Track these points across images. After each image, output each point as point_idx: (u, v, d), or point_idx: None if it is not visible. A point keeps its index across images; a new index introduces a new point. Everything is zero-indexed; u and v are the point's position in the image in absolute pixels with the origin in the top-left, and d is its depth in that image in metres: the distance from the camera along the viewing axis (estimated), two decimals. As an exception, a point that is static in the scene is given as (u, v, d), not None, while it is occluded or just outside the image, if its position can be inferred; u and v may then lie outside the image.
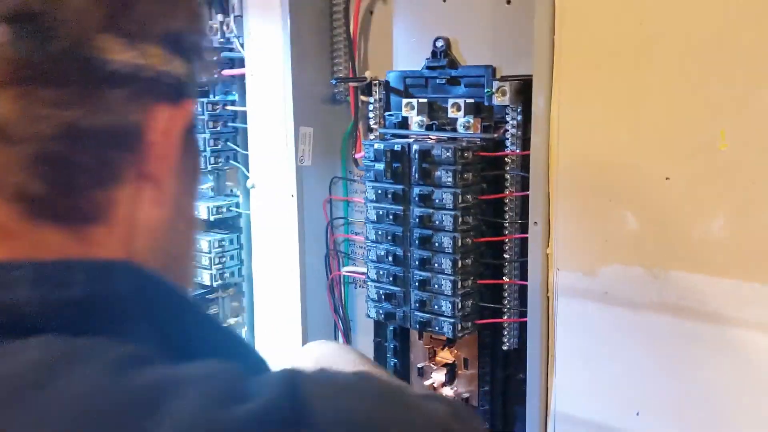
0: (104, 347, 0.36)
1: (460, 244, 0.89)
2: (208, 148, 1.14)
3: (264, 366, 0.44)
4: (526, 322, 0.92)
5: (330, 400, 0.36)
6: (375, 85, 1.03)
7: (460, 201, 0.88)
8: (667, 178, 0.72)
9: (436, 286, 0.91)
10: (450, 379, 1.01)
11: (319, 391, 0.36)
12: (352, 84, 1.05)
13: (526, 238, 0.89)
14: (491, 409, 0.98)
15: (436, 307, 0.91)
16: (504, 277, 0.92)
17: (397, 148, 0.91)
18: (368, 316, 0.98)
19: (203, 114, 1.13)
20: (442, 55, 0.96)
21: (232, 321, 1.30)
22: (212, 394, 0.34)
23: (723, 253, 0.70)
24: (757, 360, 0.69)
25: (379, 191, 0.94)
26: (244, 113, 1.15)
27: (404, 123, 1.00)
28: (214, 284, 1.20)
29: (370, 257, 0.97)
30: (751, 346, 0.69)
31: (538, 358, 0.84)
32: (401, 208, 0.92)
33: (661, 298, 0.74)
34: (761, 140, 0.66)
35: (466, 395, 1.01)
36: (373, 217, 0.95)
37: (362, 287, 1.10)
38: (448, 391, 1.01)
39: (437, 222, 0.89)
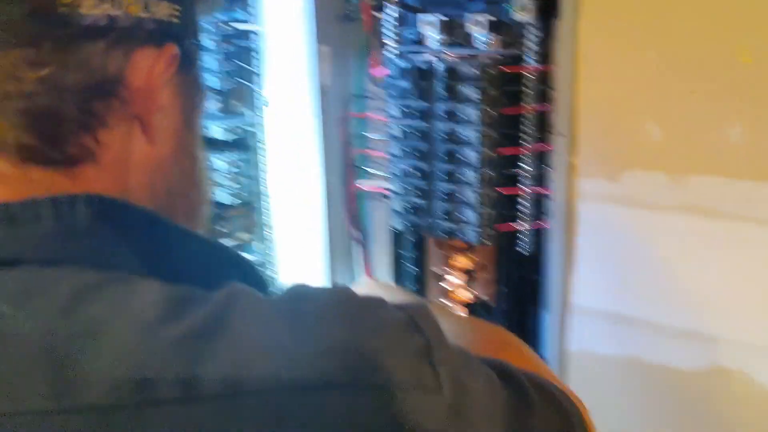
0: (64, 277, 0.39)
1: (483, 157, 0.94)
2: (220, 69, 1.14)
3: (261, 282, 0.46)
4: (542, 227, 0.99)
5: (252, 314, 0.38)
6: (389, 0, 1.04)
7: (485, 117, 0.92)
8: (692, 92, 0.78)
9: (461, 196, 0.97)
10: (469, 283, 1.09)
11: (247, 307, 0.38)
12: (365, 0, 1.05)
13: (545, 149, 0.95)
14: (508, 310, 1.07)
15: (461, 216, 0.97)
16: (522, 186, 0.98)
17: (421, 65, 0.94)
18: (394, 229, 1.04)
19: (215, 34, 1.13)
20: (460, -30, 0.98)
21: (245, 236, 1.33)
22: (147, 318, 0.37)
23: (739, 157, 0.77)
24: (766, 255, 0.78)
25: (405, 109, 0.97)
26: (255, 32, 1.14)
27: (420, 40, 1.03)
28: (234, 203, 1.23)
29: (395, 173, 1.01)
30: (762, 242, 0.77)
31: (560, 259, 0.92)
32: (426, 124, 0.96)
33: (679, 200, 0.81)
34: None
35: (484, 298, 1.09)
36: (398, 134, 0.99)
37: (379, 201, 1.15)
38: (467, 294, 1.09)
39: (463, 137, 0.94)
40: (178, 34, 0.47)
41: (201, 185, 0.53)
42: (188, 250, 0.46)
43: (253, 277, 0.47)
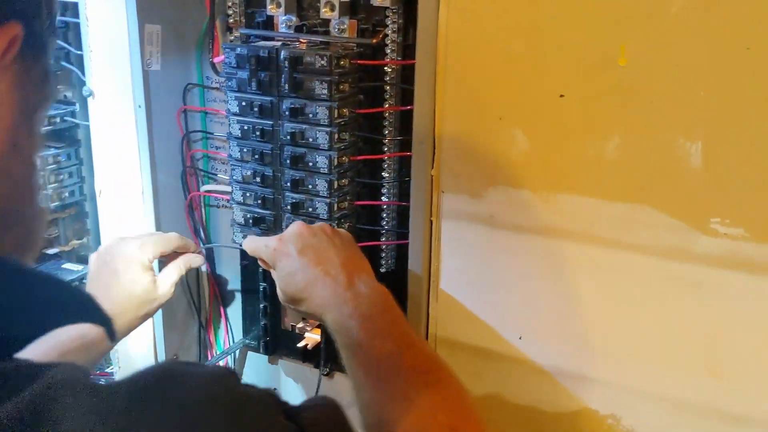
0: None
1: (336, 163, 0.81)
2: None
3: (84, 307, 0.42)
4: (404, 244, 0.87)
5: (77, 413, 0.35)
6: (234, -24, 0.89)
7: (335, 116, 0.79)
8: (561, 96, 0.67)
9: (311, 209, 0.83)
10: (324, 303, 0.95)
11: (72, 404, 0.35)
12: (206, -27, 0.90)
13: (406, 156, 0.83)
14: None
15: (310, 231, 0.84)
16: (382, 197, 0.86)
17: (263, 53, 0.80)
18: (234, 242, 0.89)
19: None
20: (313, -56, 0.84)
21: (75, 243, 1.15)
22: None
23: (616, 176, 0.67)
24: (641, 283, 0.68)
25: (244, 103, 0.82)
26: (75, 5, 0.96)
27: (269, 22, 0.88)
28: (51, 205, 1.04)
29: (234, 177, 0.86)
30: (637, 269, 0.68)
31: (420, 282, 0.80)
32: (270, 122, 0.82)
33: (548, 221, 0.71)
34: (662, 57, 0.62)
35: (341, 319, 0.96)
36: (237, 132, 0.84)
37: (226, 207, 1.00)
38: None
39: (311, 139, 0.80)
40: (24, 12, 0.41)
41: (39, 201, 0.46)
42: (15, 294, 0.39)
43: (97, 320, 0.43)
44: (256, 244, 0.78)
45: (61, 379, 0.35)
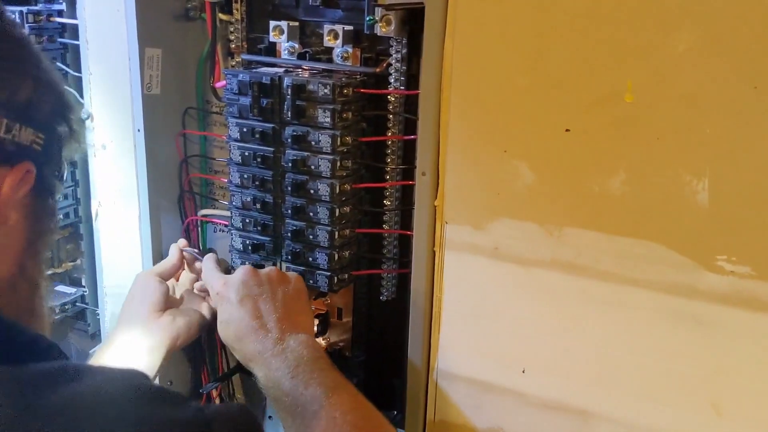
0: None
1: (338, 191, 0.80)
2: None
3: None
4: (405, 273, 0.86)
5: None
6: (236, 1, 0.88)
7: (338, 144, 0.78)
8: (567, 130, 0.67)
9: (311, 236, 0.82)
10: (323, 330, 0.94)
11: None
12: (209, -3, 0.89)
13: (409, 185, 0.82)
14: (366, 360, 0.93)
15: (310, 259, 0.83)
16: (384, 226, 0.85)
17: (265, 80, 0.79)
18: (232, 268, 0.88)
19: (24, 26, 0.93)
20: (317, -30, 0.84)
21: (69, 265, 1.14)
22: None
23: (621, 210, 0.66)
24: (646, 319, 0.68)
25: (245, 129, 0.82)
26: (75, 27, 0.96)
27: (272, 49, 0.88)
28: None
29: (234, 203, 0.85)
30: (641, 304, 0.68)
31: (422, 313, 0.79)
32: (271, 149, 0.81)
33: (553, 255, 0.70)
34: (669, 94, 0.62)
35: (339, 345, 0.95)
36: (237, 158, 0.83)
37: (223, 231, 0.99)
38: (320, 342, 0.94)
39: (313, 167, 0.80)
40: (37, 160, 0.49)
41: (40, 317, 0.53)
42: None
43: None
44: (207, 276, 0.82)
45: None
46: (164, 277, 0.87)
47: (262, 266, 0.82)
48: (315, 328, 0.89)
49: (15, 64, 0.47)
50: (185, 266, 0.92)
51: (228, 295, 0.76)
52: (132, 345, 0.81)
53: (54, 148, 0.51)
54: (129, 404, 0.40)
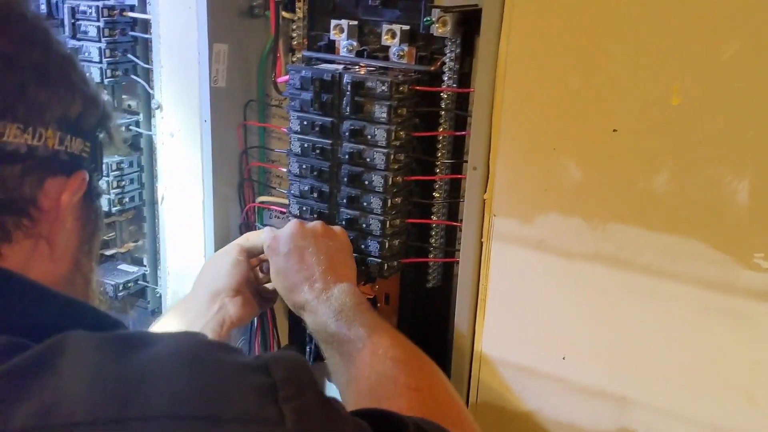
0: None
1: (390, 183, 0.85)
2: (104, 60, 1.01)
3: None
4: (451, 262, 0.91)
5: (79, 357, 0.41)
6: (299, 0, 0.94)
7: (393, 138, 0.83)
8: (614, 130, 0.70)
9: (364, 225, 0.87)
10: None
11: (75, 350, 0.41)
12: (273, -4, 0.94)
13: (457, 178, 0.87)
14: (411, 344, 0.98)
15: (363, 246, 0.88)
16: (433, 217, 0.90)
17: (326, 77, 0.84)
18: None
19: (98, 21, 0.99)
20: (376, -28, 0.88)
21: (131, 245, 1.21)
22: None
23: (664, 208, 0.70)
24: (683, 312, 0.71)
25: (305, 122, 0.87)
26: (145, 21, 1.02)
27: (330, 46, 0.93)
28: (113, 209, 1.10)
29: (292, 192, 0.91)
30: (679, 298, 0.71)
31: (468, 302, 0.84)
32: (329, 142, 0.86)
33: (596, 248, 0.74)
34: (714, 98, 0.65)
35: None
36: (297, 149, 0.88)
37: (278, 218, 1.04)
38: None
39: (368, 159, 0.84)
40: (86, 167, 0.54)
41: (93, 303, 0.58)
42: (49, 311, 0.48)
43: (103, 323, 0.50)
44: (264, 232, 0.87)
45: (72, 335, 0.43)
46: (252, 254, 0.90)
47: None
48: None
49: (68, 84, 0.52)
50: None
51: (278, 247, 0.82)
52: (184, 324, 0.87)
53: (98, 154, 0.56)
54: (204, 352, 0.44)
